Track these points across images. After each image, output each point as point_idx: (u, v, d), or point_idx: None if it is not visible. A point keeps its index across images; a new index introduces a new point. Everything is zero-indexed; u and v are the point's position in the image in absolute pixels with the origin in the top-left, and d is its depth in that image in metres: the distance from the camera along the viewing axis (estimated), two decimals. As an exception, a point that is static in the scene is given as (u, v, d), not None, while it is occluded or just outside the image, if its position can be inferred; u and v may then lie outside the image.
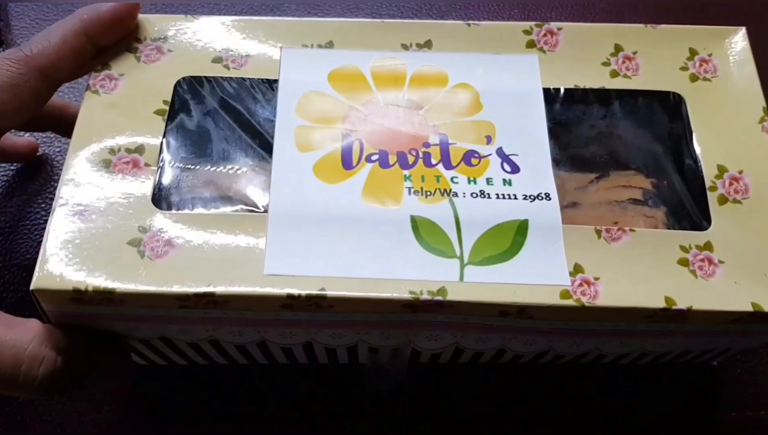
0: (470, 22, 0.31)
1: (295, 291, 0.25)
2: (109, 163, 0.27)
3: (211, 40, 0.30)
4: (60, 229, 0.26)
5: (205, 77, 0.30)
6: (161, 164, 0.28)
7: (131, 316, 0.27)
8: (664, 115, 0.30)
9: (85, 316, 0.27)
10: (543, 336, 0.28)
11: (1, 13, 0.45)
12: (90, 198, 0.27)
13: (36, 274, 0.25)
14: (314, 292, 0.25)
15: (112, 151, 0.28)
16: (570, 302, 0.25)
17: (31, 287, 0.25)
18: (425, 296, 0.25)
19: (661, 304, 0.25)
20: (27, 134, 0.41)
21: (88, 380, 0.28)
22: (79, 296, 0.25)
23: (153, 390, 0.36)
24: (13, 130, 0.40)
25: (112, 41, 0.30)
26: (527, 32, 0.31)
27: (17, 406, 0.35)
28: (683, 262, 0.26)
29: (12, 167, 0.40)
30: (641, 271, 0.26)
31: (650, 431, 0.36)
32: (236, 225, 0.26)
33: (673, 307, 0.25)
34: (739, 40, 0.30)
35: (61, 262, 0.25)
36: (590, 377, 0.36)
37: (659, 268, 0.26)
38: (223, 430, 0.35)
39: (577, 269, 0.26)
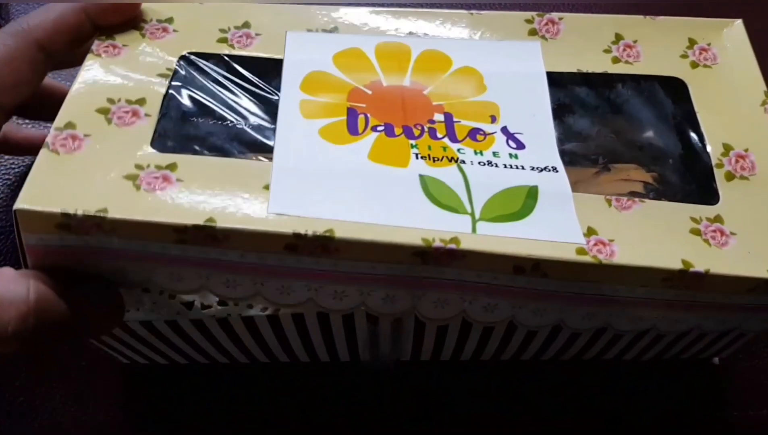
0: (473, 11, 0.31)
1: (301, 229, 0.23)
2: (107, 111, 0.26)
3: (217, 22, 0.30)
4: (51, 159, 0.24)
5: (210, 53, 0.29)
6: (162, 114, 0.27)
7: (120, 252, 0.24)
8: (668, 99, 0.29)
9: (69, 252, 0.24)
10: (555, 303, 0.26)
11: (2, 12, 0.45)
12: (85, 138, 0.25)
13: (22, 193, 0.23)
14: (322, 231, 0.23)
15: (111, 100, 0.26)
16: (587, 259, 0.24)
17: (15, 207, 0.23)
18: (438, 244, 0.23)
19: (678, 265, 0.24)
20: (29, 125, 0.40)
21: (72, 333, 0.25)
22: (66, 221, 0.23)
23: (153, 390, 0.35)
24: (25, 121, 0.40)
25: (112, 22, 0.29)
26: (529, 21, 0.30)
27: (17, 406, 0.35)
28: (695, 232, 0.25)
29: (14, 164, 0.39)
30: (655, 236, 0.25)
31: (651, 430, 0.35)
32: (239, 168, 0.25)
33: (691, 270, 0.24)
34: (736, 31, 0.30)
35: (50, 185, 0.23)
36: (591, 376, 0.35)
37: (672, 235, 0.25)
38: (223, 431, 0.35)
39: (590, 232, 0.25)
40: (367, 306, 0.26)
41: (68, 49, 0.28)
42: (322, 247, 0.24)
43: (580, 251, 0.24)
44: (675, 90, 0.29)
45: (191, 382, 0.35)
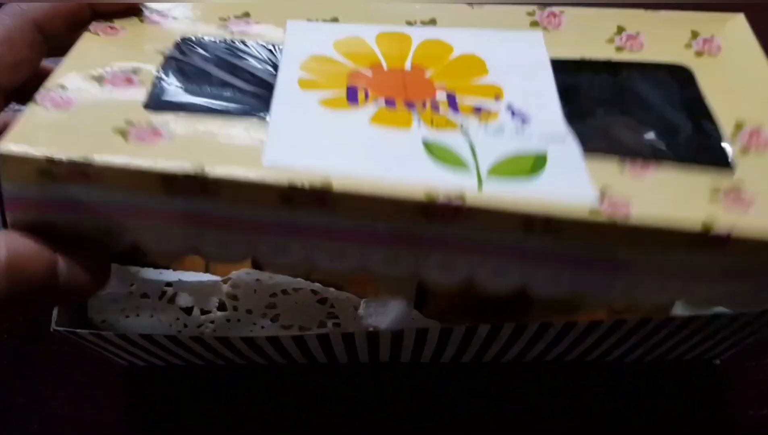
0: (473, 4, 0.30)
1: (297, 181, 0.22)
2: (101, 77, 0.25)
3: (217, 12, 0.29)
4: (38, 111, 0.23)
5: (209, 37, 0.28)
6: (157, 82, 0.26)
7: (105, 206, 0.23)
8: (674, 84, 0.28)
9: (51, 205, 0.23)
10: (568, 268, 0.24)
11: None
12: (76, 96, 0.24)
13: (6, 136, 0.22)
14: (319, 183, 0.22)
15: (105, 69, 0.25)
16: (601, 217, 0.22)
17: None
18: (443, 199, 0.22)
19: (698, 227, 0.22)
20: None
21: (52, 296, 0.24)
22: (50, 168, 0.22)
23: (153, 390, 0.35)
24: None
25: (111, 9, 0.28)
26: (530, 14, 0.30)
27: (17, 406, 0.35)
28: (713, 199, 0.23)
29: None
30: (672, 199, 0.23)
31: (652, 431, 0.34)
32: (234, 125, 0.24)
33: (712, 231, 0.22)
34: (739, 24, 0.29)
35: (36, 133, 0.22)
36: (592, 377, 0.35)
37: (689, 199, 0.23)
38: (223, 431, 0.35)
39: (604, 193, 0.23)
40: (367, 268, 0.25)
41: (66, 32, 0.28)
42: (319, 200, 0.22)
43: (594, 211, 0.22)
44: (681, 77, 0.28)
45: (191, 382, 0.35)
